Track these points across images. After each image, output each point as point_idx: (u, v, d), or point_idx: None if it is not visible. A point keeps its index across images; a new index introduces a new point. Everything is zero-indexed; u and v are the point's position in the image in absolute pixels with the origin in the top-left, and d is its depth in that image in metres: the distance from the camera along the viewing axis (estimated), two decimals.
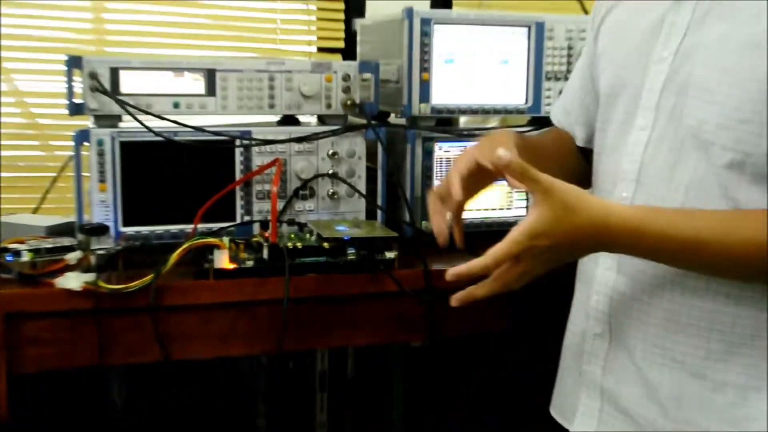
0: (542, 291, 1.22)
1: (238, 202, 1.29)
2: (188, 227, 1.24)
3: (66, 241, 1.17)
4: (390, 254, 1.21)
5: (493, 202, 1.42)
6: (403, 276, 1.21)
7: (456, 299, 0.86)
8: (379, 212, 1.35)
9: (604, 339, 0.94)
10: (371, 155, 1.35)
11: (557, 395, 1.05)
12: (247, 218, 1.29)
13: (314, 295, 1.18)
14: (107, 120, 1.24)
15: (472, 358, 1.69)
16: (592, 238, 0.82)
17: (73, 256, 1.13)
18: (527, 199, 1.43)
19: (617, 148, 0.94)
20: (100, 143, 1.22)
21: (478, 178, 0.95)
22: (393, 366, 1.69)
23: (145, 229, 1.25)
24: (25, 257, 1.12)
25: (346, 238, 1.19)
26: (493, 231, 1.40)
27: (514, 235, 0.81)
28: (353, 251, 1.19)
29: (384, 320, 1.24)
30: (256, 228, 1.29)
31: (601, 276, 0.94)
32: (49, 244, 1.15)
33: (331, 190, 1.33)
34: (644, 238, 0.82)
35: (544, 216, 0.81)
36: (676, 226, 0.81)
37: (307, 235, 1.23)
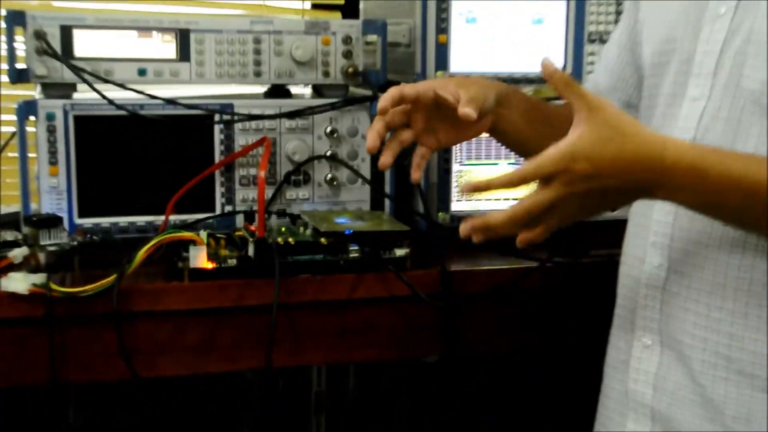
0: (582, 300, 1.26)
1: (218, 190, 1.28)
2: (158, 219, 1.24)
3: (9, 236, 1.15)
4: (400, 252, 1.20)
5: (523, 189, 1.38)
6: (416, 278, 1.20)
7: (467, 226, 0.83)
8: (387, 202, 1.35)
9: (654, 350, 0.93)
10: None
11: (599, 424, 1.04)
12: (228, 208, 1.29)
13: (309, 300, 1.18)
14: (58, 89, 1.23)
15: (494, 376, 1.69)
16: (643, 172, 0.81)
17: (18, 253, 1.11)
18: None
19: (665, 125, 0.93)
20: (49, 117, 1.20)
21: (434, 119, 0.99)
22: (402, 385, 1.69)
23: (105, 221, 1.24)
24: None
25: (347, 232, 1.19)
26: None
27: (549, 151, 0.80)
28: (356, 248, 1.19)
29: (392, 331, 1.24)
30: (240, 220, 1.28)
31: (649, 273, 0.93)
32: None
33: (330, 176, 1.33)
34: (706, 177, 0.80)
35: (587, 135, 0.79)
36: (745, 165, 0.80)
37: (301, 229, 1.23)
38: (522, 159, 1.25)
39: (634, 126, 0.82)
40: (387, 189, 1.35)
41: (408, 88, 0.99)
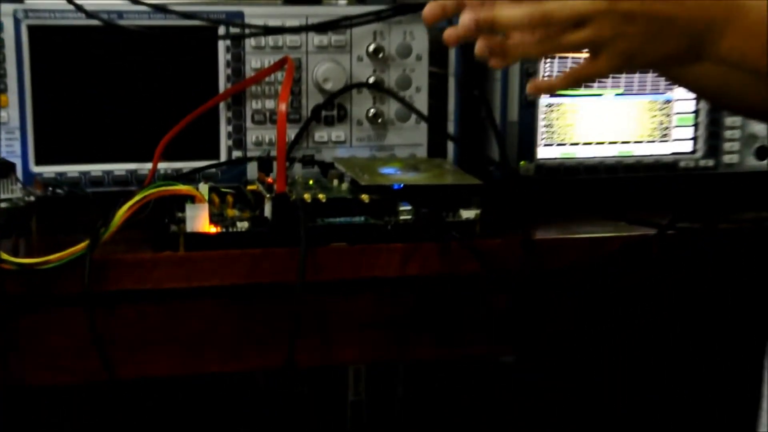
0: (721, 280, 1.24)
1: (224, 129, 1.28)
2: (143, 167, 1.24)
3: None
4: (468, 213, 1.19)
5: (636, 130, 1.39)
6: (489, 249, 1.19)
7: (451, 32, 0.92)
8: (450, 146, 1.35)
9: None
10: (438, 54, 1.33)
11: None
12: (237, 154, 1.29)
13: (346, 279, 1.17)
14: None
15: (596, 380, 1.70)
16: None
17: None
18: (695, 124, 1.40)
19: None
20: None
21: None
22: (466, 394, 1.70)
23: (72, 170, 1.24)
24: None
25: (396, 186, 1.19)
26: (638, 177, 1.38)
27: None
28: (408, 208, 1.18)
29: (455, 319, 1.24)
30: (253, 170, 1.28)
31: None
32: None
33: (373, 110, 1.32)
34: None
35: None
36: None
37: (335, 182, 1.23)
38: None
39: None
40: (451, 129, 1.34)
41: None
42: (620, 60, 0.87)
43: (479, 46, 0.92)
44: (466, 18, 0.91)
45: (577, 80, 0.91)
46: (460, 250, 1.17)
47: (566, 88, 0.91)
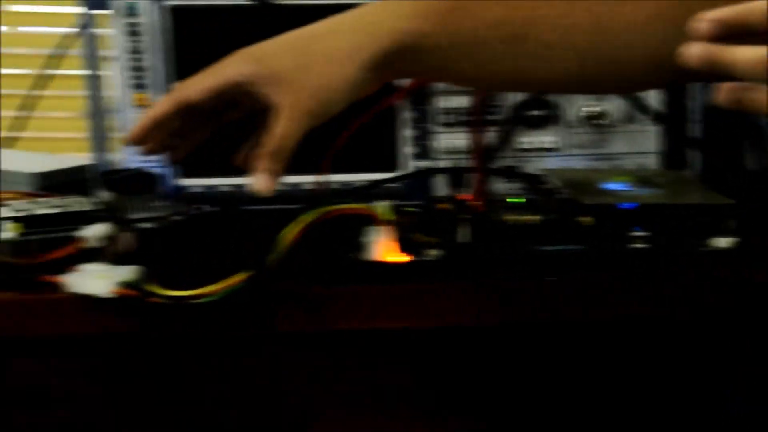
0: None
1: (404, 133, 1.30)
2: (305, 180, 1.29)
3: (76, 204, 1.17)
4: (721, 241, 1.18)
5: None
6: (751, 287, 1.17)
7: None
8: (693, 154, 1.36)
9: None
10: None
11: None
12: (422, 164, 1.30)
13: (565, 321, 1.16)
14: None
15: None
16: None
17: (94, 233, 1.13)
18: None
19: None
20: (131, 9, 1.24)
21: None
22: None
23: (225, 183, 1.27)
24: (6, 232, 1.12)
25: (624, 206, 1.19)
26: None
27: None
28: (640, 234, 1.18)
29: (708, 383, 1.22)
30: (441, 184, 1.29)
31: None
32: (45, 207, 1.16)
33: (592, 109, 1.32)
34: None
35: None
36: None
37: (545, 200, 1.23)
38: None
39: None
40: (693, 131, 1.36)
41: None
42: None
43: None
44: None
45: None
46: (710, 284, 1.16)
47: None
